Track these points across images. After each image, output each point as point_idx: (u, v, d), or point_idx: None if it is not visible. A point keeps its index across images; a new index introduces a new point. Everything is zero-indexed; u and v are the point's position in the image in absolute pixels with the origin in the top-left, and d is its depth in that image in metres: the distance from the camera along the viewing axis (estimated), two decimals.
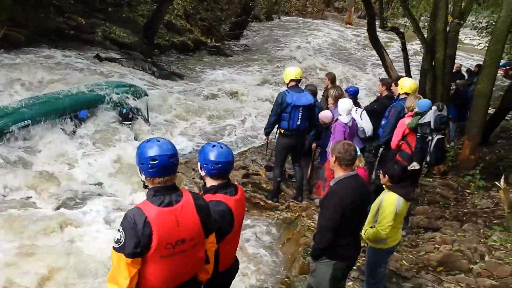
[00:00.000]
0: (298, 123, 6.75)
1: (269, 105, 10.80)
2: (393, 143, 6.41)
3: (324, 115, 6.91)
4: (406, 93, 6.91)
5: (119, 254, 2.73)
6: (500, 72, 18.37)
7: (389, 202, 4.36)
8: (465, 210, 7.97)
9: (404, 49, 12.59)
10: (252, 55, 21.01)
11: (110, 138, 9.53)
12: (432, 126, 6.03)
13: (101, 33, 15.92)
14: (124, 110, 9.97)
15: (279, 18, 29.99)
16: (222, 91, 14.33)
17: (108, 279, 2.84)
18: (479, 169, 9.47)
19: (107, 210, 7.00)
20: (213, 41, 21.57)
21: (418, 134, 6.16)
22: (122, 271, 2.74)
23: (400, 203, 4.39)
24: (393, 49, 22.41)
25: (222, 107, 12.81)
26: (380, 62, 14.30)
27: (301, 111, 6.71)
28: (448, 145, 10.35)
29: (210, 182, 3.39)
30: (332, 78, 8.66)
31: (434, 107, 6.10)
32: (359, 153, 5.98)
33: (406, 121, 6.25)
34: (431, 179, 9.51)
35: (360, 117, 7.04)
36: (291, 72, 6.94)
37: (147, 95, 10.96)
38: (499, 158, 10.80)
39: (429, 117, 6.03)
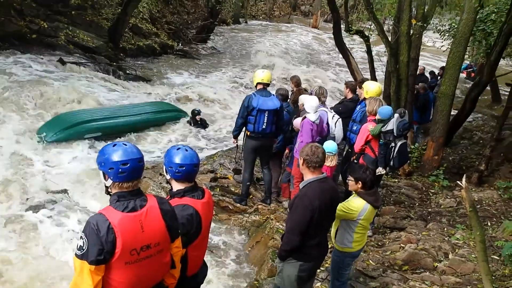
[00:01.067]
0: (264, 126, 6.77)
1: (237, 108, 10.76)
2: (356, 147, 6.48)
3: (297, 121, 6.95)
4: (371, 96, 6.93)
5: (82, 261, 2.67)
6: (463, 75, 18.84)
7: (356, 205, 4.39)
8: (430, 210, 8.14)
9: (369, 52, 12.75)
10: (220, 58, 20.98)
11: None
12: (395, 133, 6.11)
13: (64, 37, 15.57)
14: (196, 111, 11.59)
15: (246, 22, 29.97)
16: (188, 94, 14.23)
17: (71, 287, 2.77)
18: (443, 169, 9.70)
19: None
20: (180, 44, 21.40)
21: (381, 141, 6.22)
22: (85, 278, 2.67)
23: (367, 209, 4.42)
24: (360, 53, 22.72)
25: (188, 111, 12.72)
26: (345, 65, 14.48)
27: (266, 115, 6.74)
28: (412, 146, 10.58)
29: (177, 186, 3.35)
30: (296, 81, 8.74)
31: (396, 115, 6.16)
32: (334, 151, 6.04)
33: (369, 126, 6.28)
34: (396, 180, 9.67)
35: (335, 124, 7.09)
36: (259, 75, 6.95)
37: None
38: (462, 158, 11.08)
39: (392, 124, 6.09)
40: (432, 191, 9.28)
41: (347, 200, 4.55)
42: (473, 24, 9.30)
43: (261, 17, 32.70)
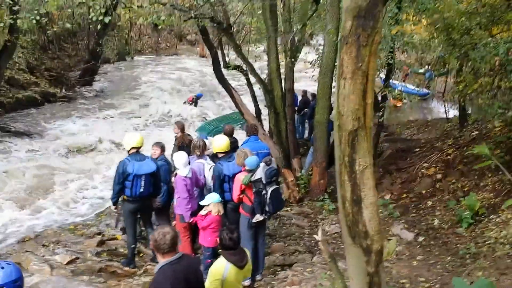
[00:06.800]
0: (141, 190, 6.78)
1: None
2: (234, 197, 6.65)
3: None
4: (221, 152, 7.12)
5: None
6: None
7: (216, 268, 4.47)
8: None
9: (249, 86, 13.10)
10: (107, 100, 20.54)
11: None
12: (264, 181, 6.37)
13: None
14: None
15: (132, 58, 29.50)
16: (73, 146, 13.82)
17: None
18: (329, 192, 10.18)
19: None
20: (63, 90, 20.66)
21: (254, 189, 6.44)
22: None
23: (228, 269, 4.46)
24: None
25: (73, 166, 12.34)
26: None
27: (143, 179, 6.77)
28: (300, 173, 11.03)
29: None
30: (181, 126, 8.88)
31: (262, 164, 6.42)
32: (218, 200, 6.24)
33: (241, 177, 6.51)
34: (289, 208, 10.01)
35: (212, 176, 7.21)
36: (131, 140, 6.96)
37: None
38: None
39: (260, 173, 6.35)
40: (320, 217, 9.70)
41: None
42: (335, 56, 9.93)
43: (147, 51, 32.30)
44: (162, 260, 3.85)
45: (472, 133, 11.59)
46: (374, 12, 2.24)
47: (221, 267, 4.45)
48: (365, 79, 2.36)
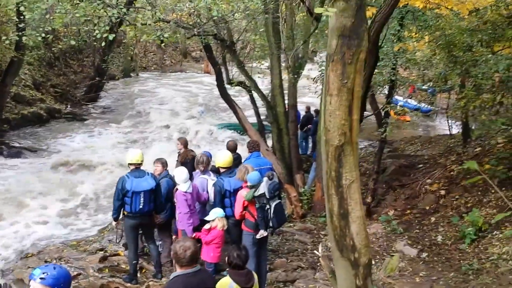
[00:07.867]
0: (141, 206, 6.77)
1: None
2: (236, 214, 6.64)
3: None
4: (223, 167, 7.13)
5: None
6: None
7: (221, 285, 4.46)
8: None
9: (253, 102, 13.18)
10: (111, 116, 20.60)
11: None
12: (268, 196, 6.37)
13: None
14: None
15: (137, 75, 29.62)
16: (77, 162, 13.87)
17: None
18: None
19: None
20: (69, 106, 20.82)
21: (257, 205, 6.43)
22: None
23: None
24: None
25: (76, 182, 12.40)
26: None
27: (142, 196, 6.75)
28: (303, 189, 11.05)
29: None
30: (184, 142, 8.91)
31: (265, 178, 6.43)
32: (222, 215, 6.29)
33: (243, 193, 6.51)
34: (291, 224, 9.99)
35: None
36: (130, 156, 6.99)
37: None
38: None
39: (263, 188, 6.34)
40: (323, 232, 9.65)
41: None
42: None
43: (152, 68, 32.50)
44: (179, 270, 3.93)
45: (475, 149, 11.59)
46: (358, 31, 2.30)
47: (226, 284, 4.46)
48: (350, 96, 2.42)
